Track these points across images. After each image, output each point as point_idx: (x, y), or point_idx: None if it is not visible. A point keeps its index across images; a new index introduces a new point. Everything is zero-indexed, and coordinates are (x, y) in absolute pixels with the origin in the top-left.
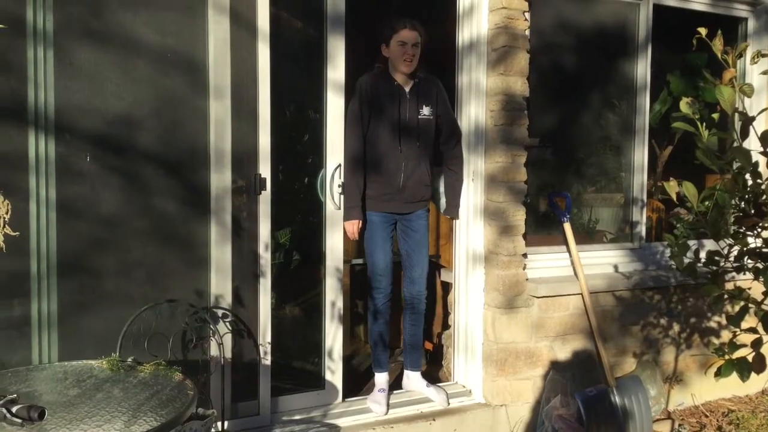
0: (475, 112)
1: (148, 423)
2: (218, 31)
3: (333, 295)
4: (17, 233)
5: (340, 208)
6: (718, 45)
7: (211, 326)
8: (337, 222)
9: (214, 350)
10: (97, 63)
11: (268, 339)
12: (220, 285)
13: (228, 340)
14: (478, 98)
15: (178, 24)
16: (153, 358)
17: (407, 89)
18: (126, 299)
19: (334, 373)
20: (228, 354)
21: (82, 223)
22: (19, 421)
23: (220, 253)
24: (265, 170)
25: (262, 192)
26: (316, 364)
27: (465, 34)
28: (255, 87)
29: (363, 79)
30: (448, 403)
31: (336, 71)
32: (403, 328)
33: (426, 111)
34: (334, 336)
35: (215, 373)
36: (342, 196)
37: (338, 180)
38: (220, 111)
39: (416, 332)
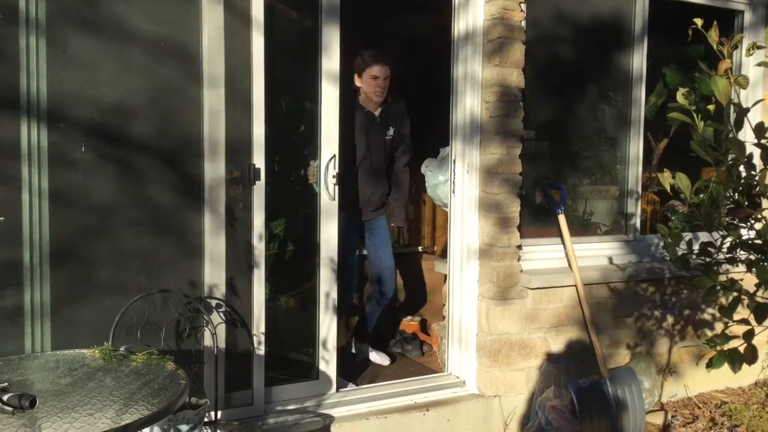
0: (470, 103)
1: (140, 412)
2: (212, 20)
3: (327, 286)
4: (2, 218)
5: (334, 199)
6: (713, 36)
7: (205, 316)
8: (331, 213)
9: (207, 340)
10: (90, 52)
11: (262, 329)
12: (214, 275)
13: (222, 330)
14: (474, 90)
15: (172, 12)
16: (146, 347)
17: (377, 114)
18: (119, 289)
19: (328, 363)
20: (222, 344)
21: (75, 212)
22: (11, 409)
23: (214, 243)
24: (259, 160)
25: (257, 182)
26: (310, 354)
27: (461, 25)
28: (249, 76)
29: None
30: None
31: (331, 61)
32: (368, 314)
33: (390, 132)
34: (328, 327)
35: (209, 363)
36: (336, 187)
37: (332, 171)
38: (214, 100)
39: (375, 314)
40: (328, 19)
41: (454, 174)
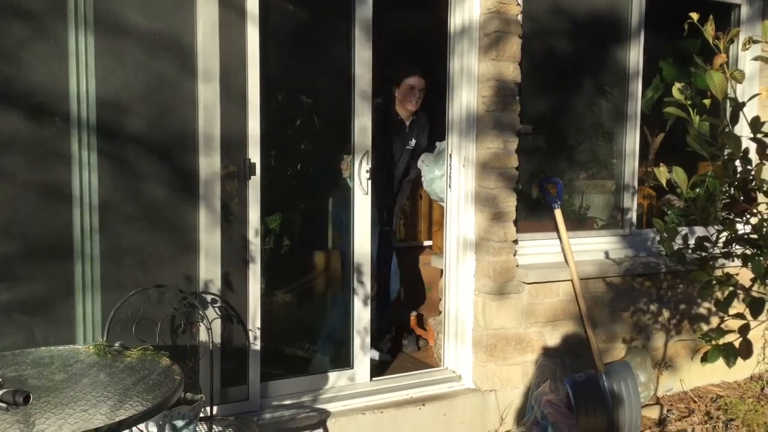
0: (466, 97)
1: (135, 408)
2: (207, 14)
3: (361, 278)
4: None
5: (367, 193)
6: (709, 30)
7: (200, 311)
8: (364, 207)
9: (203, 335)
10: (86, 46)
11: (258, 324)
12: (210, 270)
13: (217, 325)
14: (470, 84)
15: (166, 7)
16: (141, 343)
17: (407, 123)
18: (115, 284)
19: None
20: (217, 339)
21: (70, 206)
22: (5, 405)
23: (210, 239)
24: (254, 155)
25: (252, 177)
26: (306, 349)
27: (457, 19)
28: (245, 71)
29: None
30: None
31: (363, 52)
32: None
33: (412, 143)
34: (360, 319)
35: (204, 358)
36: (369, 182)
37: (366, 166)
38: (209, 95)
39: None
40: (361, 9)
41: (451, 168)
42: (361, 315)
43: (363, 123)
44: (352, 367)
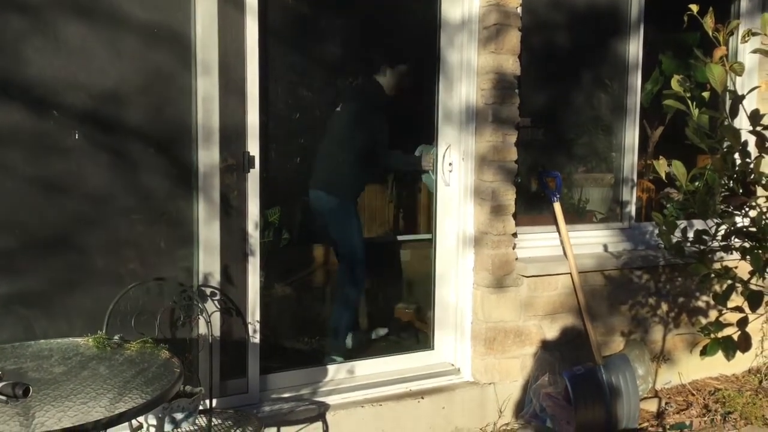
0: (466, 90)
1: (134, 400)
2: (205, 6)
3: (443, 267)
4: None
5: (449, 185)
6: (709, 22)
7: (199, 304)
8: (447, 198)
9: (202, 328)
10: (82, 38)
11: (257, 317)
12: (209, 263)
13: (216, 318)
14: (469, 77)
15: None
16: (140, 336)
17: None
18: (113, 277)
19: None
20: (216, 332)
21: (67, 200)
22: (4, 398)
23: (209, 231)
24: (253, 148)
25: (251, 170)
26: (306, 342)
27: (456, 11)
28: (243, 63)
29: None
30: None
31: (454, 48)
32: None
33: None
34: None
35: (203, 351)
36: (451, 174)
37: (448, 159)
38: (207, 87)
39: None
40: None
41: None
42: (447, 302)
43: (445, 117)
44: (433, 348)
